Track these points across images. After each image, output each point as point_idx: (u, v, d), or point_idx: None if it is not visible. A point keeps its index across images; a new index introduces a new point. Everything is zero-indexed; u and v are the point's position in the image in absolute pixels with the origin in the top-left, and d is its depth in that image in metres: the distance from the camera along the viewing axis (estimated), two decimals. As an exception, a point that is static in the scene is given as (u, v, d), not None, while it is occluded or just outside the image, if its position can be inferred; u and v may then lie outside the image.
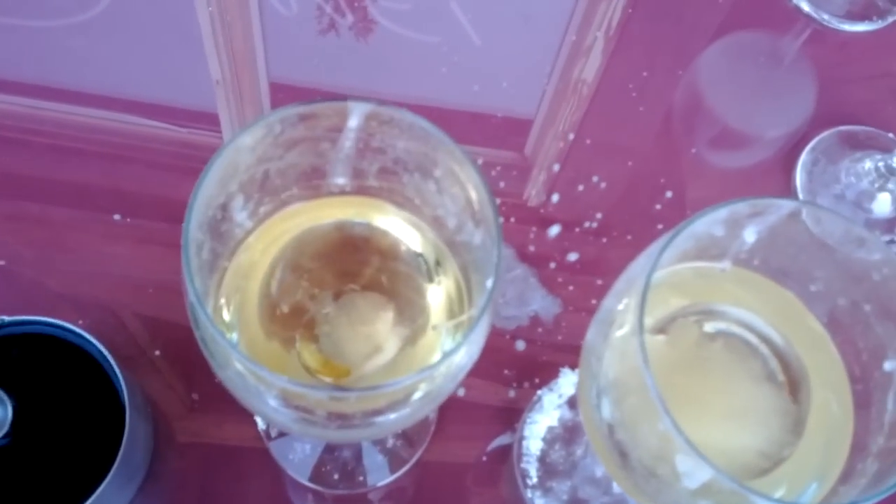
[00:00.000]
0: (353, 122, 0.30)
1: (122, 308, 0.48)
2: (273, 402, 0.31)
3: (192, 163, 0.51)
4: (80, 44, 0.55)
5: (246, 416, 0.46)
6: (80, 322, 0.46)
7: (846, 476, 0.31)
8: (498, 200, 0.51)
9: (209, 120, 0.53)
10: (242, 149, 0.29)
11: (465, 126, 0.54)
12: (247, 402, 0.32)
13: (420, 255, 0.36)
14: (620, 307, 0.31)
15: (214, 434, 0.46)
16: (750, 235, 0.31)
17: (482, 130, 0.54)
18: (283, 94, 0.55)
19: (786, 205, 0.28)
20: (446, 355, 0.28)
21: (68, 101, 0.53)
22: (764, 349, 0.34)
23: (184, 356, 0.47)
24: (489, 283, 0.29)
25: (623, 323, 0.31)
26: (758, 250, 0.32)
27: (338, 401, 0.31)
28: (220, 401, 0.47)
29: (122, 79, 0.54)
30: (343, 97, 0.29)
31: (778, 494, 0.32)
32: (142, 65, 0.55)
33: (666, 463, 0.30)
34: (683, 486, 0.29)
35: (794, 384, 0.33)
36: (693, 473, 0.29)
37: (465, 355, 0.29)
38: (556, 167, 0.52)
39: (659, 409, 0.26)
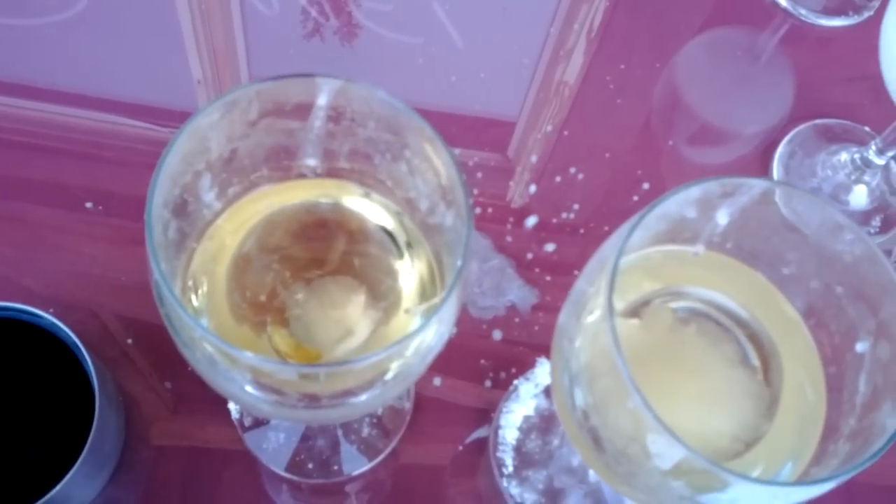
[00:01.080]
0: (323, 99, 0.30)
1: (101, 307, 0.47)
2: (243, 384, 0.30)
3: None
4: (61, 42, 0.54)
5: (221, 409, 0.46)
6: (52, 310, 0.46)
7: (819, 457, 0.31)
8: (476, 190, 0.51)
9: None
10: (207, 125, 0.29)
11: (447, 127, 0.54)
12: (216, 383, 0.31)
13: (390, 233, 0.36)
14: (592, 289, 0.31)
15: (190, 428, 0.46)
16: (722, 217, 0.31)
17: (465, 131, 0.53)
18: None
19: (757, 184, 0.28)
20: (415, 332, 0.27)
21: (48, 99, 0.53)
22: (737, 333, 0.34)
23: (161, 354, 0.46)
24: (458, 262, 0.29)
25: (595, 307, 0.31)
26: (730, 233, 0.32)
27: (308, 380, 0.31)
28: (195, 396, 0.46)
29: (103, 78, 0.53)
30: (311, 74, 0.29)
31: (752, 476, 0.31)
32: (122, 64, 0.54)
33: (638, 444, 0.30)
34: (656, 467, 0.29)
35: (766, 367, 0.33)
36: (665, 453, 0.29)
37: (435, 334, 0.29)
38: (534, 158, 0.52)
39: (629, 387, 0.26)
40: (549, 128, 0.54)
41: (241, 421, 0.46)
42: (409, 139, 0.31)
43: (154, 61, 0.55)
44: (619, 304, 0.35)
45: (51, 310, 0.45)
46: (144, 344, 0.47)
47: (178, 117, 0.53)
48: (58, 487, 0.37)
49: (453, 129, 0.53)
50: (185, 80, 0.54)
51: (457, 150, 0.53)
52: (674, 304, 0.35)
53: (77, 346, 0.41)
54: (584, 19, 0.58)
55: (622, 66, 0.55)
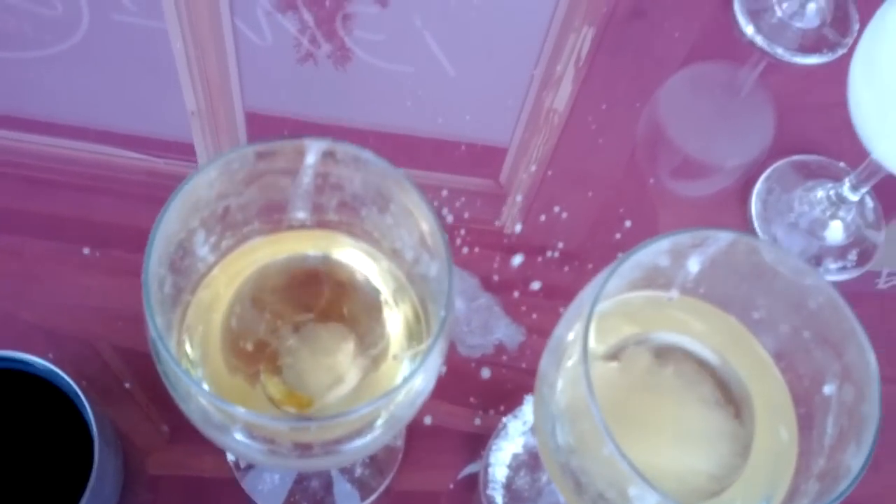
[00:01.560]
0: (311, 158, 0.31)
1: (97, 339, 0.48)
2: (237, 435, 0.31)
3: (168, 193, 0.52)
4: (56, 75, 0.56)
5: (217, 447, 0.47)
6: (50, 356, 0.47)
7: (791, 497, 0.32)
8: (461, 231, 0.52)
9: (185, 150, 0.54)
10: (201, 186, 0.30)
11: (439, 154, 0.55)
12: (211, 434, 0.33)
13: (377, 282, 0.37)
14: (570, 336, 0.32)
15: (186, 465, 0.47)
16: (693, 265, 0.32)
17: (457, 159, 0.55)
18: (258, 123, 0.56)
19: (724, 236, 0.29)
20: (401, 384, 0.29)
21: (43, 132, 0.54)
22: (711, 375, 0.35)
23: (157, 387, 0.47)
24: (441, 313, 0.31)
25: (573, 352, 0.32)
26: (702, 279, 0.33)
27: (299, 430, 0.32)
28: (191, 432, 0.47)
29: (98, 110, 0.55)
30: (300, 136, 0.30)
31: (727, 516, 0.33)
32: (117, 96, 0.55)
33: (617, 489, 0.31)
34: (633, 510, 0.30)
35: (740, 409, 0.35)
36: (642, 498, 0.30)
37: (422, 382, 0.30)
38: (519, 198, 0.53)
39: (604, 435, 0.27)
40: (538, 156, 0.55)
41: (236, 463, 0.47)
42: (393, 195, 0.32)
43: (148, 93, 0.56)
44: (600, 348, 0.36)
45: (49, 355, 0.46)
46: (140, 376, 0.48)
47: (173, 148, 0.54)
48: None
49: (443, 154, 0.55)
50: (180, 112, 0.55)
51: (447, 176, 0.55)
52: (652, 347, 0.36)
53: (76, 394, 0.42)
54: (572, 50, 0.60)
55: (603, 106, 0.57)
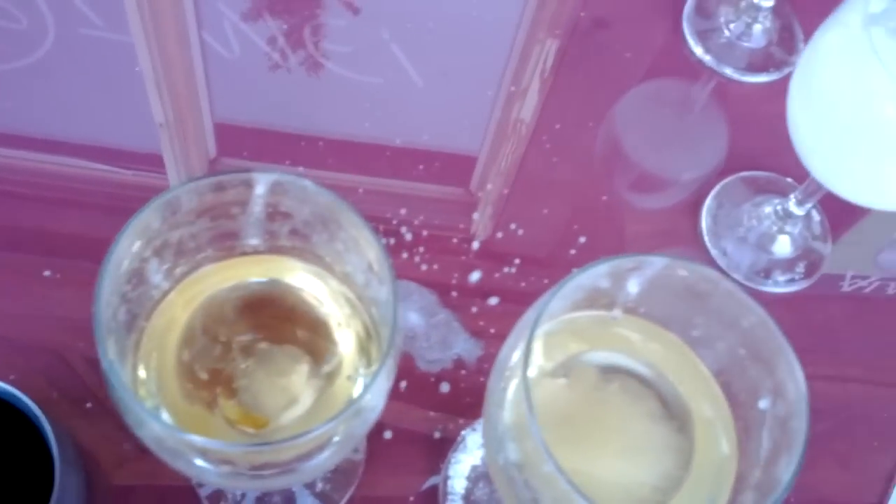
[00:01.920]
0: (260, 190, 0.32)
1: (64, 350, 0.49)
2: (194, 460, 0.32)
3: (137, 205, 0.53)
4: (22, 88, 0.56)
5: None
6: (12, 378, 0.47)
7: (730, 507, 0.33)
8: (419, 248, 0.53)
9: (154, 161, 0.55)
10: (153, 219, 0.31)
11: (410, 162, 0.56)
12: (167, 459, 0.33)
13: (330, 304, 0.38)
14: (515, 356, 0.34)
15: (154, 477, 0.47)
16: (633, 287, 0.33)
17: (426, 166, 0.56)
18: (227, 134, 0.56)
19: (658, 261, 0.31)
20: (350, 404, 0.30)
21: (9, 145, 0.54)
22: (656, 390, 0.37)
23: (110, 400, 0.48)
24: (386, 334, 0.32)
25: (517, 373, 0.33)
26: (642, 300, 0.34)
27: (254, 454, 0.33)
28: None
29: (66, 122, 0.55)
30: (247, 169, 0.31)
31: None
32: (84, 109, 0.56)
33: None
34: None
35: (682, 423, 0.36)
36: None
37: (371, 400, 0.31)
38: (476, 216, 0.54)
39: (543, 453, 0.28)
40: (507, 164, 0.56)
41: (198, 482, 0.48)
42: (341, 223, 0.33)
43: (116, 106, 0.56)
44: (547, 365, 0.37)
45: (11, 377, 0.47)
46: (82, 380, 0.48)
47: (141, 160, 0.54)
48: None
49: (414, 163, 0.56)
50: (149, 124, 0.56)
51: (417, 185, 0.56)
52: (597, 364, 0.37)
53: (36, 416, 0.42)
54: (537, 61, 0.61)
55: (557, 126, 0.58)
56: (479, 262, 0.53)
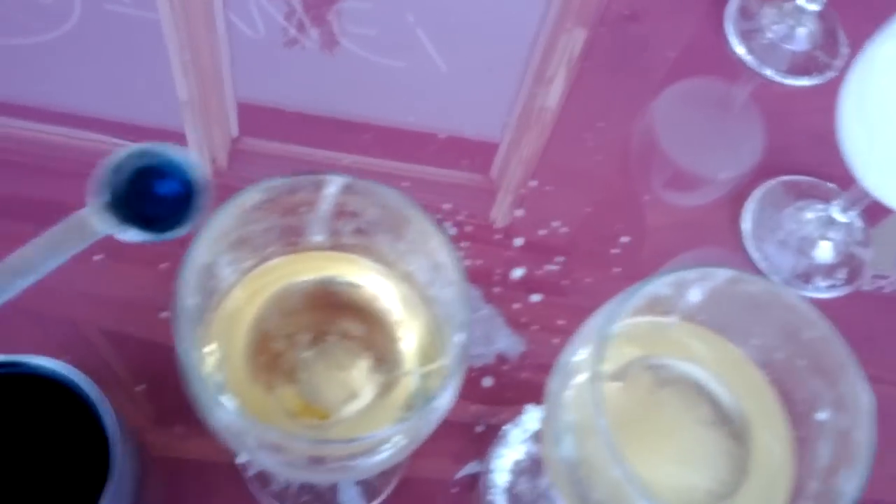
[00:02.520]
0: (330, 190, 0.33)
1: (86, 325, 0.49)
2: (258, 448, 0.33)
3: None
4: (47, 63, 0.56)
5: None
6: (67, 357, 0.48)
7: (787, 514, 0.34)
8: (462, 244, 0.54)
9: (176, 139, 0.55)
10: (229, 216, 0.31)
11: (430, 147, 0.56)
12: (233, 445, 0.34)
13: (391, 301, 0.39)
14: (577, 358, 0.34)
15: (197, 458, 0.48)
16: (694, 296, 0.34)
17: (448, 153, 0.56)
18: (250, 113, 0.57)
19: (724, 273, 0.31)
20: (422, 408, 0.30)
21: (34, 118, 0.54)
22: (710, 396, 0.37)
23: (160, 379, 0.49)
24: (457, 338, 0.32)
25: (582, 370, 0.34)
26: (702, 308, 0.35)
27: (319, 447, 0.33)
28: (194, 425, 0.49)
29: (89, 98, 0.55)
30: (322, 171, 0.31)
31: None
32: (108, 85, 0.56)
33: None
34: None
35: (737, 429, 0.36)
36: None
37: (442, 404, 0.32)
38: (520, 212, 0.55)
39: (613, 457, 0.29)
40: (529, 152, 0.57)
41: (244, 465, 0.49)
42: (409, 225, 0.34)
43: (140, 82, 0.57)
44: (604, 368, 0.38)
45: (66, 357, 0.47)
46: (136, 361, 0.49)
47: (164, 137, 0.55)
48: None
49: (434, 148, 0.56)
50: (172, 101, 0.56)
51: (437, 170, 0.56)
52: (653, 369, 0.38)
53: (95, 399, 0.43)
54: (564, 50, 0.61)
55: (601, 125, 0.58)
56: (523, 258, 0.54)
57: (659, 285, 0.32)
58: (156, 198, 0.27)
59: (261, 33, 0.59)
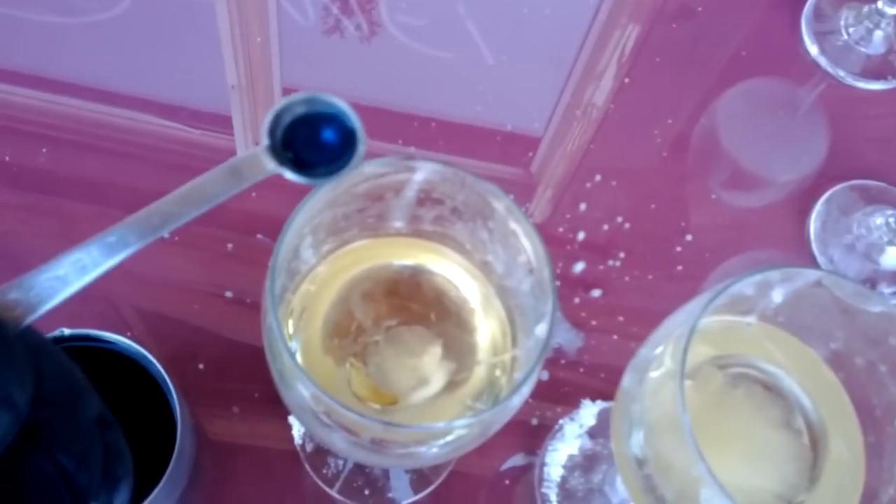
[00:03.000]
0: (419, 176, 0.33)
1: (148, 304, 0.50)
2: (332, 433, 0.33)
3: (202, 163, 0.53)
4: (99, 42, 0.57)
5: (282, 424, 0.49)
6: (129, 335, 0.48)
7: (858, 522, 0.34)
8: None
9: (222, 123, 0.56)
10: (320, 199, 0.32)
11: (472, 139, 0.56)
12: (301, 418, 0.34)
13: (466, 289, 0.39)
14: (655, 353, 0.34)
15: (253, 441, 0.49)
16: (777, 296, 0.34)
17: (490, 145, 0.56)
18: None
19: (812, 274, 0.31)
20: (501, 402, 0.30)
21: (84, 97, 0.55)
22: (783, 398, 0.37)
23: (219, 360, 0.49)
24: (539, 330, 0.32)
25: (658, 371, 0.34)
26: (783, 309, 0.35)
27: (390, 432, 0.34)
28: (253, 408, 0.50)
29: (139, 79, 0.56)
30: (412, 156, 0.32)
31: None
32: (158, 66, 0.57)
33: (693, 501, 0.32)
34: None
35: (810, 432, 0.36)
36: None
37: (520, 398, 0.32)
38: (584, 206, 0.55)
39: (695, 455, 0.29)
40: (573, 147, 0.56)
41: (302, 446, 0.49)
42: (495, 214, 0.34)
43: (189, 65, 0.57)
44: (675, 367, 0.38)
45: (128, 334, 0.48)
46: (195, 341, 0.50)
47: (210, 120, 0.55)
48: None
49: (475, 140, 0.56)
50: (220, 85, 0.57)
51: (477, 162, 0.56)
52: (724, 369, 0.38)
53: (161, 377, 0.43)
54: (616, 45, 0.61)
55: (669, 121, 0.58)
56: (584, 253, 0.54)
57: (744, 285, 0.32)
58: (317, 144, 0.28)
59: (310, 19, 0.59)
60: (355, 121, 0.29)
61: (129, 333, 0.49)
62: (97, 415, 0.24)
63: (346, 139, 0.29)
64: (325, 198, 0.32)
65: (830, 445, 0.36)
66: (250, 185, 0.28)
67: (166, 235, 0.29)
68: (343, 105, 0.28)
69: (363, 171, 0.32)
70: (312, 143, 0.28)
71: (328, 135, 0.28)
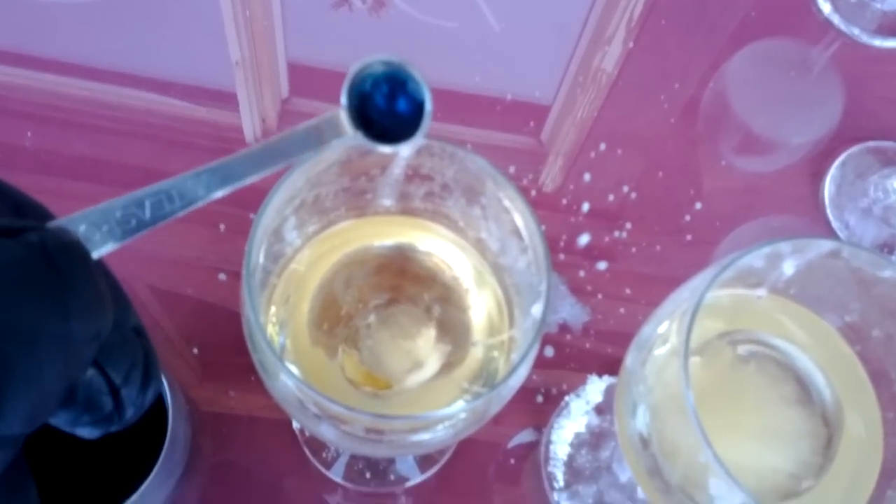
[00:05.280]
0: (406, 152, 0.31)
1: (137, 282, 0.49)
2: (323, 425, 0.32)
3: (207, 140, 0.53)
4: (101, 21, 0.56)
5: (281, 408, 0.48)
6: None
7: (876, 501, 0.32)
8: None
9: (227, 99, 0.54)
10: (299, 179, 0.30)
11: (480, 109, 0.55)
12: (291, 413, 0.33)
13: (460, 269, 0.37)
14: (659, 331, 0.32)
15: (241, 413, 0.48)
16: (789, 268, 0.32)
17: (498, 114, 0.55)
18: (300, 74, 0.56)
19: (826, 244, 0.29)
20: (497, 385, 0.29)
21: (86, 76, 0.54)
22: (796, 373, 0.35)
23: (214, 340, 0.48)
24: (535, 309, 0.31)
25: (663, 349, 0.32)
26: (795, 281, 0.33)
27: (380, 422, 0.32)
28: (246, 388, 0.48)
29: (142, 57, 0.55)
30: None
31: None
32: (162, 44, 0.56)
33: (699, 485, 0.31)
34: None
35: (825, 408, 0.34)
36: (726, 497, 0.30)
37: (516, 380, 0.30)
38: (588, 176, 0.53)
39: (700, 440, 0.27)
40: (583, 115, 0.55)
41: (301, 430, 0.48)
42: (486, 189, 0.32)
43: (193, 42, 0.56)
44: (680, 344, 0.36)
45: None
46: (187, 322, 0.49)
47: (215, 97, 0.54)
48: (134, 497, 0.39)
49: (484, 109, 0.55)
50: (224, 61, 0.55)
51: (487, 132, 0.55)
52: (735, 344, 0.36)
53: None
54: (624, 9, 0.59)
55: (677, 86, 0.56)
56: (589, 224, 0.52)
57: (753, 257, 0.30)
58: (388, 111, 0.27)
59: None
60: (426, 92, 0.27)
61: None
62: (136, 324, 0.24)
63: (420, 108, 0.27)
64: (305, 176, 0.30)
65: (846, 422, 0.34)
66: (327, 146, 0.26)
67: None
68: (416, 74, 0.27)
69: (347, 148, 0.30)
70: (386, 110, 0.27)
71: (402, 103, 0.27)
